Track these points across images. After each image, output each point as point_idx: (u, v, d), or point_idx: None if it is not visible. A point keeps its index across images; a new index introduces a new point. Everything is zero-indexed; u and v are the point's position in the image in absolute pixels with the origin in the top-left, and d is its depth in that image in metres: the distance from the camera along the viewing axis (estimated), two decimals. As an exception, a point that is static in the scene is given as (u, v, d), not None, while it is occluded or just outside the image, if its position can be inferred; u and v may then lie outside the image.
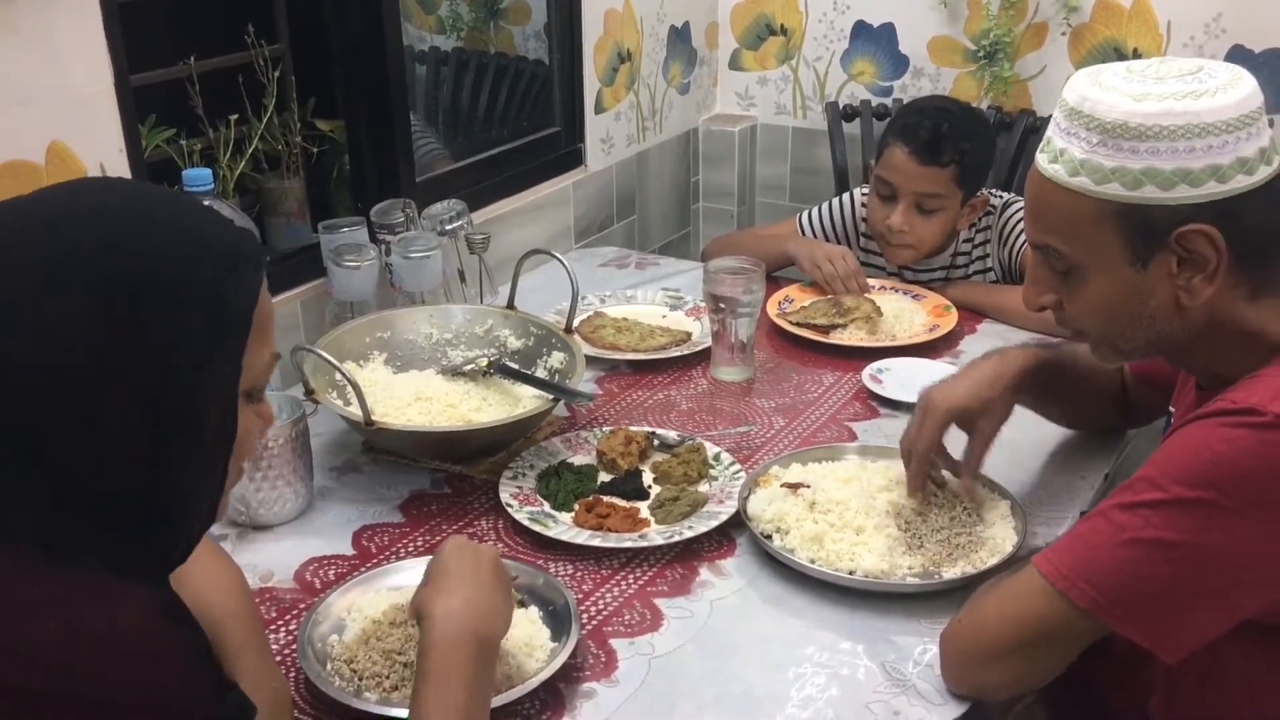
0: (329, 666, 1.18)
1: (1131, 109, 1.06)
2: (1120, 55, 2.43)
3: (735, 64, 2.92)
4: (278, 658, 1.22)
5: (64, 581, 0.80)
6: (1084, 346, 1.49)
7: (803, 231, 2.23)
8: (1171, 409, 1.33)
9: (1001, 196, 2.14)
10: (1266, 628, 1.08)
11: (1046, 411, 1.56)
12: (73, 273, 0.80)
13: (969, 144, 1.99)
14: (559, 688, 1.18)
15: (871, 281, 2.09)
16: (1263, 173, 1.06)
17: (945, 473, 1.43)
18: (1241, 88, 1.06)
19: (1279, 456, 1.01)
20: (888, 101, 2.69)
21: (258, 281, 0.88)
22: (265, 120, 1.90)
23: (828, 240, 2.19)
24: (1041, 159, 1.14)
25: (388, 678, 1.15)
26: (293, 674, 1.20)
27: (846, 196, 2.24)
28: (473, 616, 1.05)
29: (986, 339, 1.96)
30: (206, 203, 1.55)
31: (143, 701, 0.79)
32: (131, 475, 0.83)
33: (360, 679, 1.16)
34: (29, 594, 0.79)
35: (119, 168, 1.55)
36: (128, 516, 0.84)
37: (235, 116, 1.85)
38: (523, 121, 2.52)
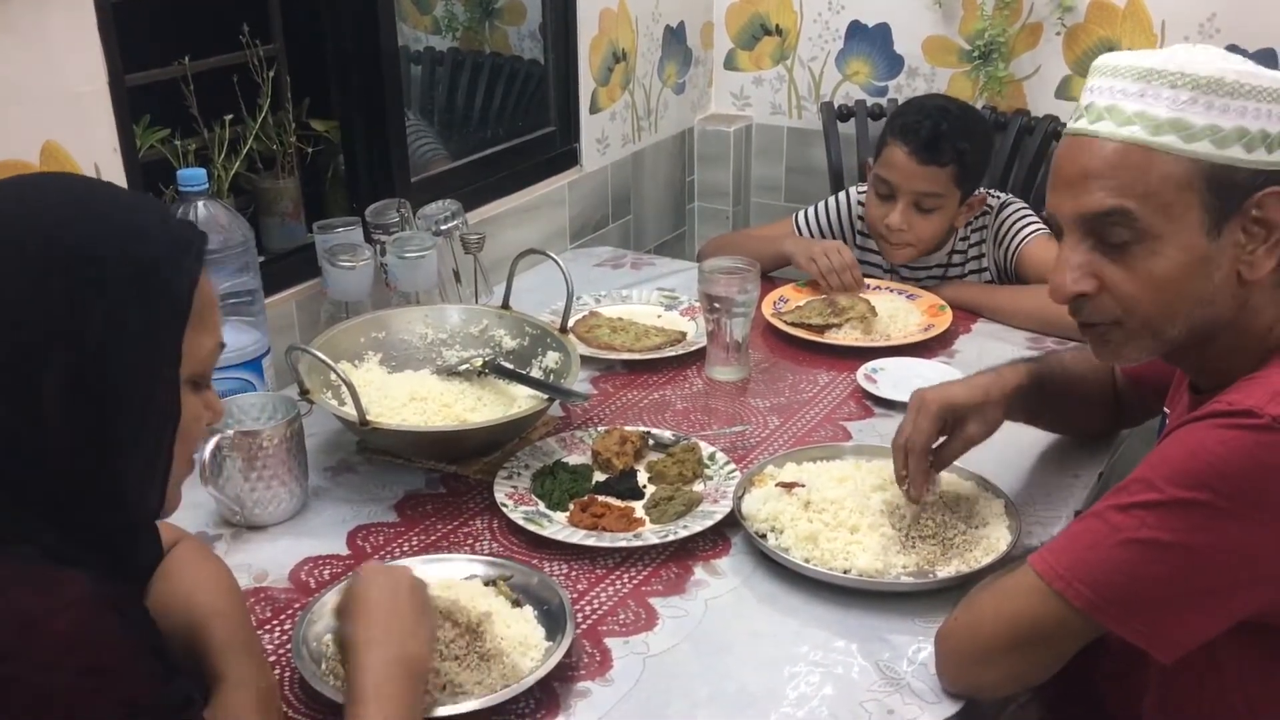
0: (323, 665, 1.18)
1: (1225, 66, 1.06)
2: (1114, 55, 2.43)
3: (730, 64, 2.92)
4: (272, 657, 1.22)
5: None
6: (1072, 356, 1.50)
7: (799, 231, 2.24)
8: (1166, 410, 1.33)
9: (999, 197, 2.14)
10: (1263, 629, 1.08)
11: (1038, 423, 1.56)
12: (11, 255, 0.83)
13: (968, 143, 2.00)
14: (554, 687, 1.18)
15: (866, 281, 2.10)
16: None
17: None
18: None
19: (1275, 459, 1.00)
20: (883, 101, 2.69)
21: (197, 269, 0.91)
22: (260, 120, 1.90)
23: (824, 239, 2.19)
24: (1102, 127, 1.09)
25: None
26: (287, 673, 1.20)
27: (842, 195, 2.24)
28: (395, 641, 1.05)
29: (981, 339, 1.97)
30: (201, 203, 1.55)
31: (69, 683, 0.80)
32: (74, 459, 0.85)
33: (355, 678, 1.16)
34: None
35: (113, 168, 1.55)
36: (71, 502, 0.86)
37: (230, 117, 1.85)
38: (518, 121, 2.52)
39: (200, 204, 1.55)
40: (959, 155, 1.99)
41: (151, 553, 1.16)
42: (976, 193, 2.07)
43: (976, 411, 1.37)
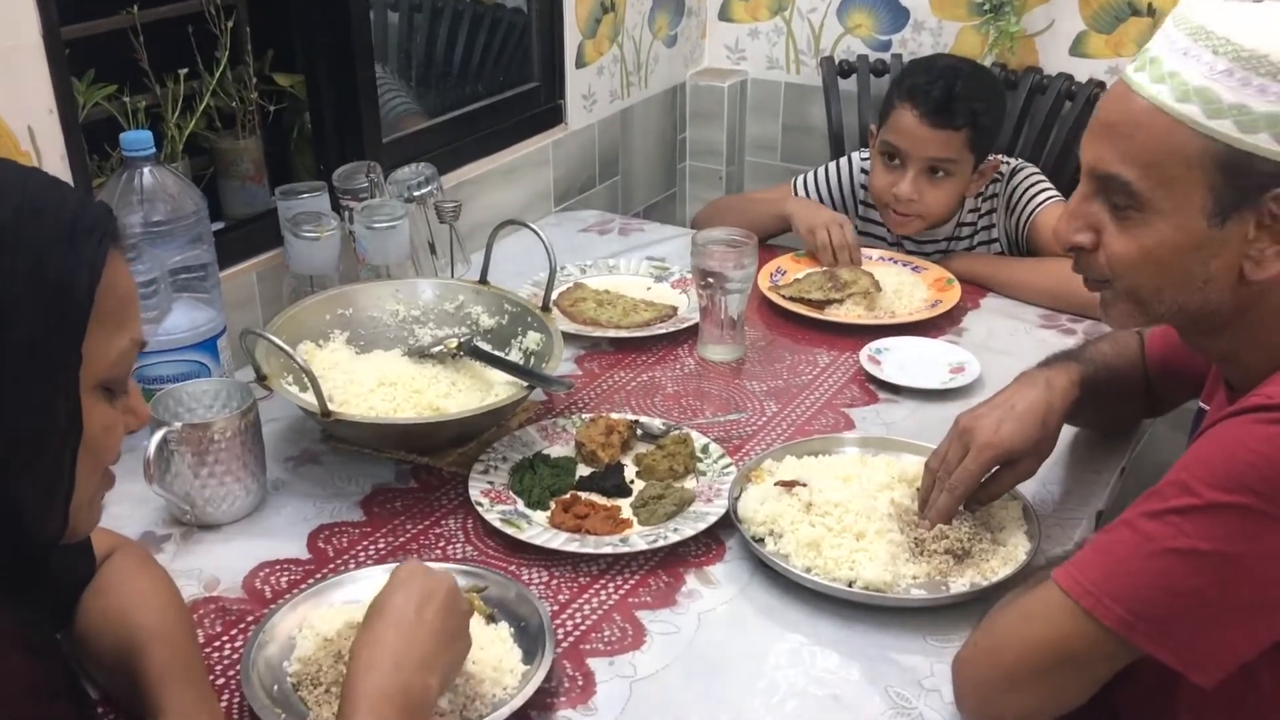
0: (275, 690, 1.07)
1: (1278, 42, 0.94)
2: (1134, 10, 2.30)
3: (725, 15, 2.78)
4: (221, 679, 1.11)
5: None
6: (1110, 347, 1.39)
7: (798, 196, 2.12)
8: (1203, 405, 1.23)
9: (1009, 162, 2.02)
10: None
11: (1076, 423, 1.44)
12: None
13: (982, 105, 1.88)
14: (531, 716, 1.07)
15: (870, 253, 1.98)
16: None
17: None
18: None
19: None
20: (886, 57, 2.56)
21: (101, 257, 0.79)
22: (218, 75, 1.78)
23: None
24: (1140, 77, 1.01)
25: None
26: (236, 698, 1.09)
27: (845, 161, 2.12)
28: (402, 669, 0.93)
29: (990, 315, 1.86)
30: (147, 169, 1.42)
31: None
32: None
33: (309, 708, 1.05)
34: None
35: (50, 131, 1.41)
36: None
37: (185, 71, 1.73)
38: (499, 77, 2.38)
39: (146, 170, 1.42)
40: (973, 117, 1.86)
41: (78, 569, 1.06)
42: (990, 159, 1.94)
43: (1033, 452, 1.27)
